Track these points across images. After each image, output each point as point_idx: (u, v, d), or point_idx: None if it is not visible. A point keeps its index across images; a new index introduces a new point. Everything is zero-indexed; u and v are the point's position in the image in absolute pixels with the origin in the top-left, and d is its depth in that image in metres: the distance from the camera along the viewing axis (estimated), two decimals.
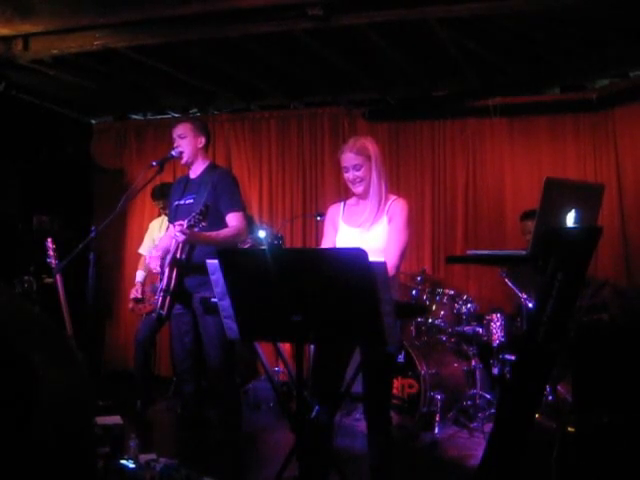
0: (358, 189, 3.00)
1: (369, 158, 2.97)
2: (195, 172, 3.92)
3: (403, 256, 2.95)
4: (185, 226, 3.47)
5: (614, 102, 5.36)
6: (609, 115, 5.42)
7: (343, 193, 3.16)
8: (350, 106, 6.10)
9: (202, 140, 3.89)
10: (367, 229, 2.96)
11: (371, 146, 3.00)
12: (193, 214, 3.52)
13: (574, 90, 5.58)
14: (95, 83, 5.69)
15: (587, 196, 2.54)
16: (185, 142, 3.83)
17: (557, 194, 2.35)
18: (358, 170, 2.96)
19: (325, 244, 3.13)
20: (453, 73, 5.38)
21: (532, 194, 5.02)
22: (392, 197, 3.01)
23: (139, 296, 4.88)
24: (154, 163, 3.79)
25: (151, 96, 6.28)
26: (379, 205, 2.96)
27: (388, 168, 5.89)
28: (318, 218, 3.10)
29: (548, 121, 5.64)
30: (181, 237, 3.48)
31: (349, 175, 2.99)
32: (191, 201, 3.81)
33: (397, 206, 2.96)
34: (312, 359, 2.98)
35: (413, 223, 5.69)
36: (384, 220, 2.95)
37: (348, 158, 2.97)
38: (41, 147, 5.97)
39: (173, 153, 3.85)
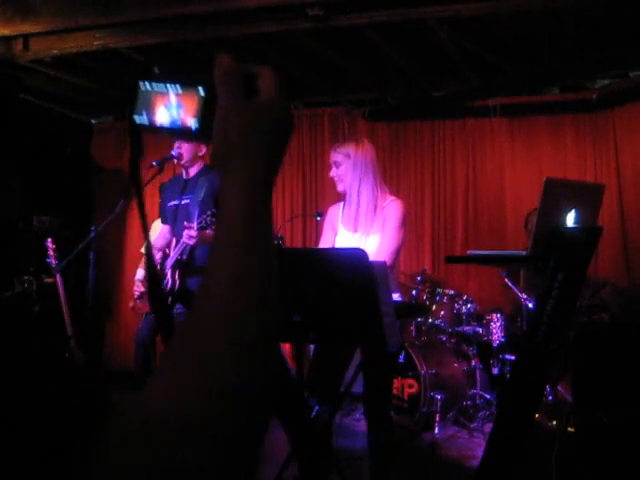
0: (338, 187, 3.04)
1: (347, 156, 2.96)
2: (191, 173, 3.93)
3: (395, 256, 2.92)
4: (195, 228, 3.48)
5: (614, 102, 5.36)
6: (609, 115, 5.41)
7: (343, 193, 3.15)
8: (350, 106, 6.10)
9: (202, 148, 3.91)
10: (366, 235, 2.93)
11: (356, 147, 2.96)
12: (204, 216, 3.52)
13: (574, 90, 5.58)
14: (95, 83, 5.69)
15: (587, 196, 2.54)
16: (186, 146, 3.84)
17: (557, 194, 2.35)
18: (337, 167, 2.99)
19: (323, 245, 3.12)
20: (453, 73, 5.37)
21: (532, 194, 5.01)
22: (390, 198, 3.00)
23: (142, 290, 4.88)
24: (154, 163, 3.79)
25: None
26: (372, 209, 2.93)
27: (388, 168, 5.93)
28: (318, 218, 3.11)
29: (548, 121, 5.64)
30: (192, 240, 3.50)
31: (331, 172, 3.04)
32: (187, 201, 3.81)
33: (392, 206, 2.95)
34: (312, 359, 2.97)
35: (409, 224, 5.72)
36: (381, 225, 2.93)
37: (330, 155, 3.04)
38: (41, 147, 5.97)
39: (173, 153, 3.85)
